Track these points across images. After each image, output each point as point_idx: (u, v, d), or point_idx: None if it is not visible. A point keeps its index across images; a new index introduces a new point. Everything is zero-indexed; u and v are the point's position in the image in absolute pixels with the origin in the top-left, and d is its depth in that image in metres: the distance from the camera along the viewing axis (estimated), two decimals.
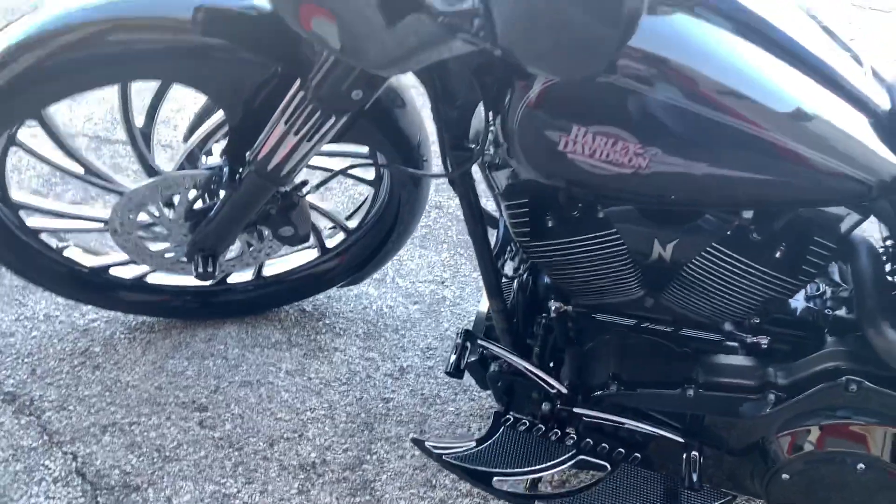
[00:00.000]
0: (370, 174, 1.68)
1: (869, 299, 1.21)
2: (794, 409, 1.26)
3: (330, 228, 1.79)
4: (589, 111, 1.04)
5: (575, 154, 1.06)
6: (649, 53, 1.01)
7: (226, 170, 1.38)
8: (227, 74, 1.31)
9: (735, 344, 1.35)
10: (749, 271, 1.21)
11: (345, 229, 1.76)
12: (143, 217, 1.50)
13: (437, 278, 2.01)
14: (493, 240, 1.44)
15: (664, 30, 1.02)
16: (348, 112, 1.23)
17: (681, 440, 1.35)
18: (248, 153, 1.34)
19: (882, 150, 1.08)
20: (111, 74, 1.32)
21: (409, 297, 1.95)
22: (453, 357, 1.40)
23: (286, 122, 1.26)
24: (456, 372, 1.39)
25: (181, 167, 1.50)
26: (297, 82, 1.24)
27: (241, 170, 1.38)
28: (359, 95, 1.18)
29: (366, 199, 1.75)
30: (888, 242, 1.30)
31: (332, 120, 1.24)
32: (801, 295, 1.37)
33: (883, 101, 1.11)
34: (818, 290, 1.39)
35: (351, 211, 1.81)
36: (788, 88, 1.05)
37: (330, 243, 1.78)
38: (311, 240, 1.68)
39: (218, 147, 1.51)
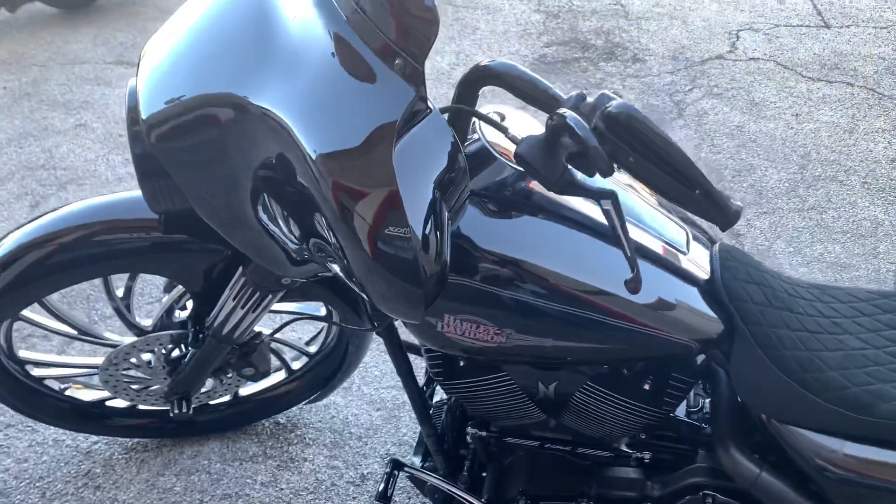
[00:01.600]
0: (322, 310, 1.95)
1: (721, 422, 1.45)
2: None
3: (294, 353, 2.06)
4: (453, 304, 1.29)
5: (451, 333, 1.31)
6: (497, 254, 1.26)
7: (191, 331, 1.66)
8: (187, 261, 1.59)
9: (626, 457, 1.59)
10: (621, 402, 1.44)
11: (307, 354, 2.03)
12: (127, 366, 1.78)
13: (398, 384, 2.25)
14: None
15: (499, 229, 1.25)
16: (282, 291, 1.51)
17: None
18: (207, 319, 1.62)
19: (703, 313, 1.32)
20: (97, 270, 1.60)
21: (372, 403, 2.21)
22: (381, 486, 1.64)
23: (234, 299, 1.54)
24: (383, 499, 1.63)
25: (160, 319, 1.78)
26: (240, 268, 1.51)
27: (203, 331, 1.65)
28: (287, 281, 1.45)
29: (322, 327, 2.02)
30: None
31: (269, 296, 1.52)
32: (683, 408, 1.61)
33: (704, 268, 1.35)
34: (698, 404, 1.62)
35: (310, 337, 2.07)
36: (614, 268, 1.28)
37: (295, 365, 2.04)
38: (278, 363, 1.95)
39: (190, 303, 1.78)
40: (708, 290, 1.34)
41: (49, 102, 3.64)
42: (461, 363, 1.49)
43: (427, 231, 0.98)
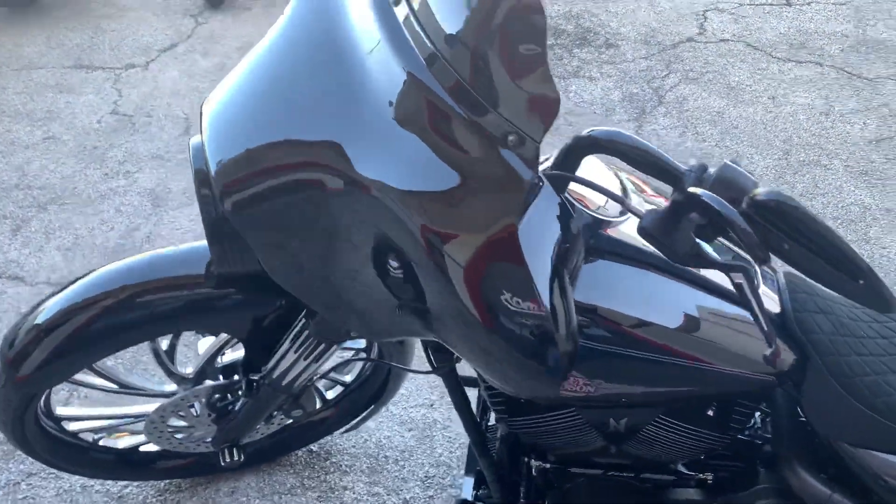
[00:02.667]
0: (362, 342, 1.93)
1: (786, 443, 1.49)
2: None
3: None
4: None
5: None
6: (589, 305, 1.26)
7: (244, 382, 1.62)
8: (237, 313, 1.54)
9: (688, 479, 1.62)
10: (691, 431, 1.47)
11: (342, 384, 2.00)
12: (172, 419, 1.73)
13: (427, 401, 2.26)
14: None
15: (589, 280, 1.22)
16: (347, 340, 1.48)
17: None
18: (263, 368, 1.58)
19: (781, 347, 1.35)
20: (143, 334, 1.54)
21: (403, 424, 2.20)
22: None
23: (295, 351, 1.50)
24: None
25: (201, 369, 1.73)
26: (302, 317, 1.47)
27: (256, 379, 1.61)
28: (355, 333, 1.43)
29: (359, 354, 1.99)
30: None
31: (334, 347, 1.49)
32: None
33: (775, 299, 1.38)
34: (753, 422, 1.66)
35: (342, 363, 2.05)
36: (693, 312, 1.29)
37: (330, 395, 2.02)
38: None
39: (230, 353, 1.73)
40: (780, 323, 1.36)
41: (10, 113, 3.46)
42: (524, 401, 1.49)
43: (557, 307, 0.97)
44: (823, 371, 1.35)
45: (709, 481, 1.59)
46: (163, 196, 3.00)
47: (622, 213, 1.26)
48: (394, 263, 1.06)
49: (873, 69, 3.77)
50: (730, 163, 1.01)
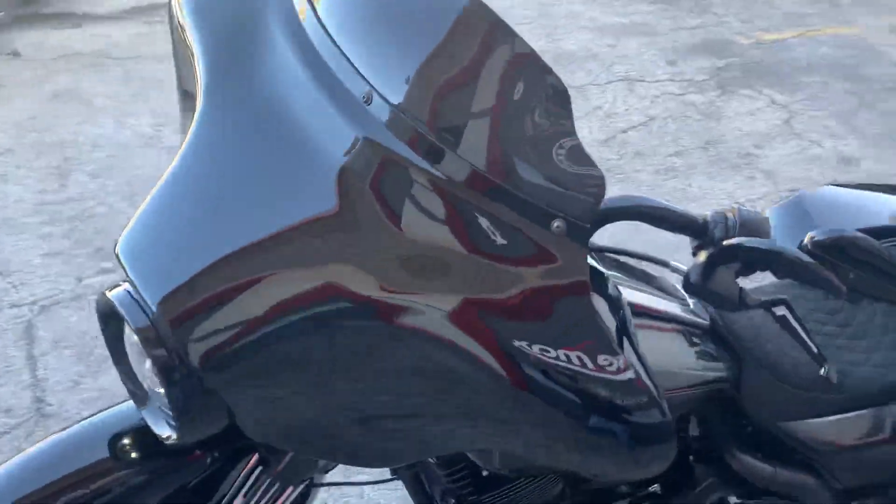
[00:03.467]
0: None
1: (724, 439, 1.60)
2: None
3: None
4: None
5: None
6: None
7: None
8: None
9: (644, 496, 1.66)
10: None
11: None
12: None
13: None
14: None
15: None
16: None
17: None
18: None
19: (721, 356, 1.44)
20: None
21: None
22: None
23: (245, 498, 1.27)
24: None
25: None
26: (252, 468, 1.24)
27: None
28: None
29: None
30: None
31: (290, 489, 1.28)
32: None
33: (704, 313, 1.48)
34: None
35: None
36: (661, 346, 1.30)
37: None
38: None
39: None
40: (712, 330, 1.46)
41: None
42: (485, 472, 1.43)
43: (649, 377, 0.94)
44: (753, 365, 1.48)
45: (659, 492, 1.65)
46: None
47: None
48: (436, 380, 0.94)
49: (576, 78, 4.21)
50: (741, 206, 1.06)
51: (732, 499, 1.59)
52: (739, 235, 1.04)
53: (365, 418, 0.98)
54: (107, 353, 2.54)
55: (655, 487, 1.64)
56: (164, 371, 0.95)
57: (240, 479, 1.26)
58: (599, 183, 0.86)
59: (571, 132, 0.86)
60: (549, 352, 0.88)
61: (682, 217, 1.11)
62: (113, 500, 1.20)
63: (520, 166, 0.87)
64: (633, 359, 0.93)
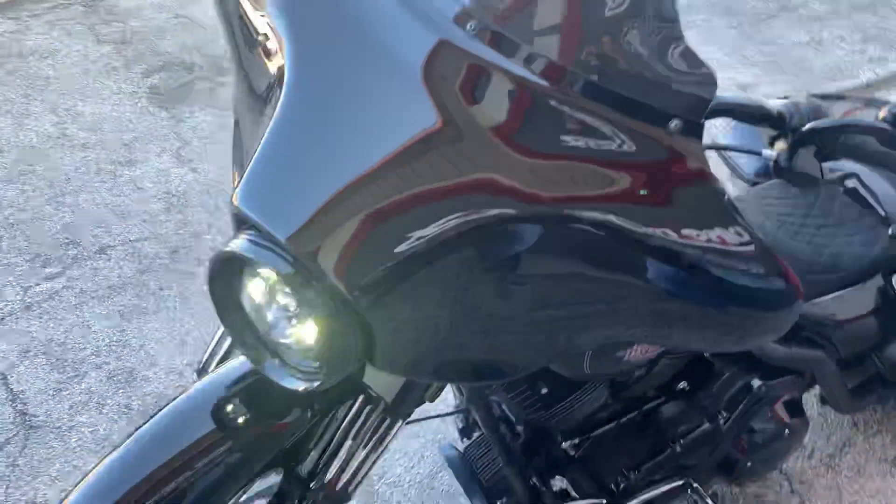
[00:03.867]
0: None
1: None
2: None
3: None
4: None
5: (634, 357, 1.35)
6: None
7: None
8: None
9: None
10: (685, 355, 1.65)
11: None
12: None
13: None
14: None
15: None
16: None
17: None
18: (311, 484, 1.32)
19: None
20: None
21: None
22: None
23: (353, 437, 1.29)
24: None
25: None
26: (358, 407, 1.26)
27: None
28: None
29: None
30: None
31: (399, 423, 1.31)
32: None
33: None
34: None
35: None
36: None
37: None
38: None
39: None
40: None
41: None
42: (545, 390, 1.51)
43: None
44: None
45: (686, 388, 1.78)
46: None
47: None
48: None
49: None
50: (809, 94, 1.18)
51: (755, 382, 1.75)
52: (811, 121, 1.17)
53: (504, 330, 1.03)
54: (83, 355, 2.46)
55: (683, 384, 1.78)
56: (310, 308, 0.97)
57: (346, 422, 1.29)
58: (711, 81, 0.95)
59: (680, 35, 0.94)
60: (690, 237, 0.97)
61: (763, 109, 1.22)
62: (225, 470, 1.20)
63: (634, 72, 0.95)
64: (755, 231, 1.03)
